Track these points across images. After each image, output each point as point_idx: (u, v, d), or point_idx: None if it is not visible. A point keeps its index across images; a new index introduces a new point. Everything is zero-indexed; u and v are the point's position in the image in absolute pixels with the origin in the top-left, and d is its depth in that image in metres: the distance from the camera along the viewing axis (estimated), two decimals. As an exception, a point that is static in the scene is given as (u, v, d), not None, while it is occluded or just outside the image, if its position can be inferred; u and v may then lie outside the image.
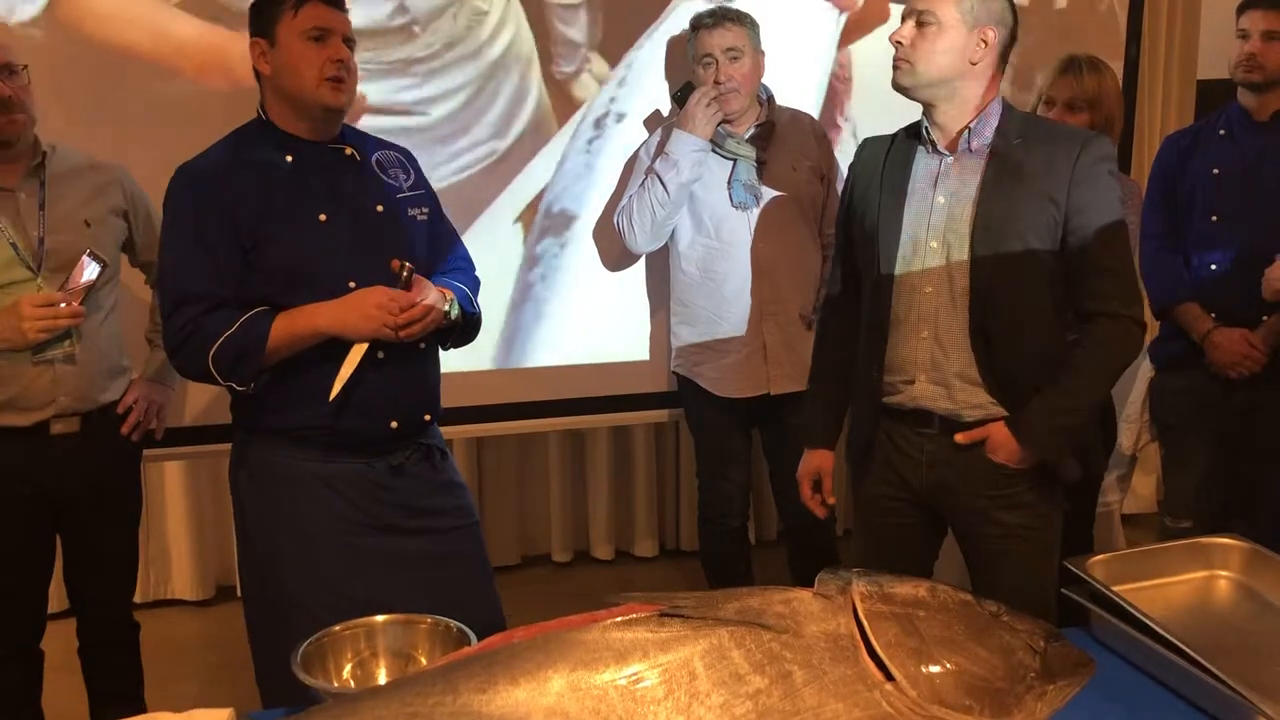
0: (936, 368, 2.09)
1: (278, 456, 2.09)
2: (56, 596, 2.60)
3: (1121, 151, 3.27)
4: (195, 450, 2.99)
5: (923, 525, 2.22)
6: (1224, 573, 1.74)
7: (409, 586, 2.03)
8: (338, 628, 1.46)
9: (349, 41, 2.09)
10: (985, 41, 2.04)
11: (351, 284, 2.03)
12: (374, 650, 1.48)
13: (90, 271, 2.36)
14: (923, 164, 2.12)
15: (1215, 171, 2.86)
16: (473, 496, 2.37)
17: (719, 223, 2.94)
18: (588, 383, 3.22)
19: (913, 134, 2.16)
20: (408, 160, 2.26)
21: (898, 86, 2.08)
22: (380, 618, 1.49)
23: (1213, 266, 2.84)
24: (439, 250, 2.26)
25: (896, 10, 2.93)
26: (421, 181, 2.26)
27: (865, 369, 2.19)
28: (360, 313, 1.98)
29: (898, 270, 2.10)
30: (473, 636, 1.42)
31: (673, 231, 3.01)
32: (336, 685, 1.42)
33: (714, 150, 2.93)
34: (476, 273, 2.34)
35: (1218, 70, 3.15)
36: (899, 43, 2.04)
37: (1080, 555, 1.73)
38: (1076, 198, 2.02)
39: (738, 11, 2.95)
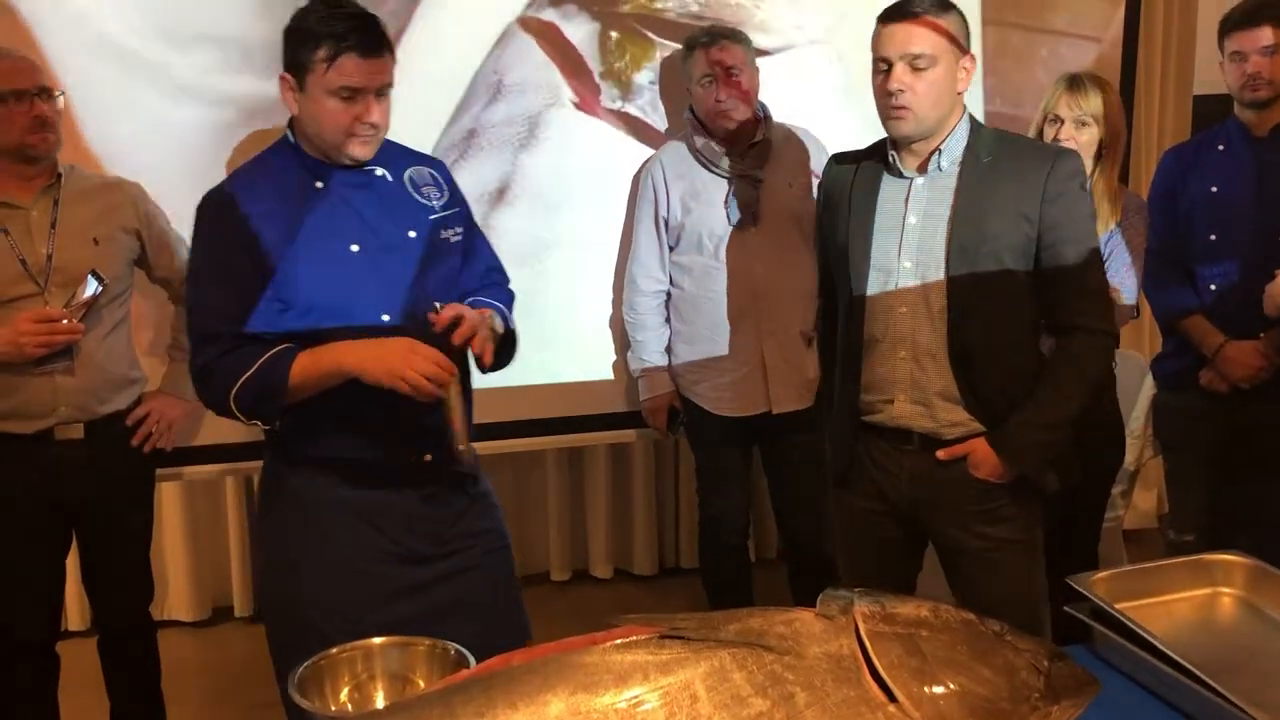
0: (916, 387, 2.09)
1: (308, 484, 2.03)
2: (80, 614, 2.60)
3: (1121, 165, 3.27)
4: (207, 470, 3.00)
5: (904, 539, 2.23)
6: (1227, 589, 1.73)
7: (438, 615, 1.96)
8: (334, 650, 1.44)
9: (385, 89, 1.97)
10: (966, 69, 2.05)
11: (385, 317, 1.95)
12: (371, 673, 1.46)
13: (89, 289, 2.43)
14: (891, 185, 2.11)
15: (1213, 189, 2.85)
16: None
17: (717, 242, 2.94)
18: (583, 400, 3.21)
19: (878, 155, 2.15)
20: (440, 174, 2.15)
21: (900, 136, 2.05)
22: (378, 640, 1.47)
23: (1212, 287, 2.83)
24: (472, 267, 2.17)
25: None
26: (456, 198, 2.15)
27: (843, 386, 2.19)
28: (383, 364, 1.85)
29: (870, 291, 2.10)
30: (471, 659, 1.40)
31: (670, 250, 3.02)
32: (334, 709, 1.40)
33: (710, 169, 2.94)
34: (511, 285, 2.25)
35: (1213, 85, 3.15)
36: (898, 91, 1.99)
37: (1085, 571, 1.72)
38: (1049, 215, 2.02)
39: (733, 29, 2.96)
